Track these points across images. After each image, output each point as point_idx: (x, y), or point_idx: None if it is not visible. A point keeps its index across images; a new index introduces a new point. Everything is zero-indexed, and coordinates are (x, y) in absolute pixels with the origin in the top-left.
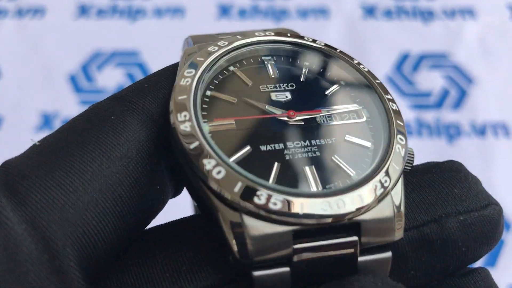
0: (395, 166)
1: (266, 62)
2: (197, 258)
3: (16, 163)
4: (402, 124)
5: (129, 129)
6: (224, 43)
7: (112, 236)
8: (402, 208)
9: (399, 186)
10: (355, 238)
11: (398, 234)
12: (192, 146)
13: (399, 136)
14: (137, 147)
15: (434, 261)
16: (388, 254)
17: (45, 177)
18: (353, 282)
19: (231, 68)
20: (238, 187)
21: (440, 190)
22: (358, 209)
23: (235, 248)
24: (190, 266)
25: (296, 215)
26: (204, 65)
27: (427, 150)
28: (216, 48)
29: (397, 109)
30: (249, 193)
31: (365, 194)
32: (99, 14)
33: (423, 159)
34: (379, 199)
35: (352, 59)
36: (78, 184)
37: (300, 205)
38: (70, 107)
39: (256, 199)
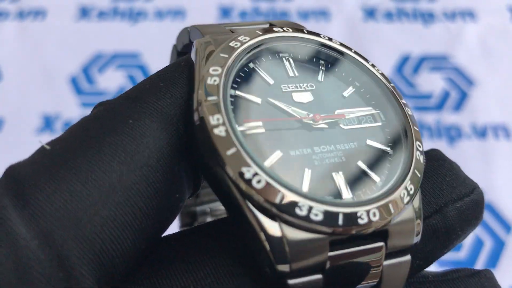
0: (417, 173)
1: (284, 59)
2: (221, 269)
3: (25, 170)
4: (417, 129)
5: (149, 134)
6: (245, 39)
7: (130, 251)
8: (421, 211)
9: (419, 192)
10: (382, 243)
11: (417, 238)
12: (229, 152)
13: (417, 142)
14: (158, 154)
15: (437, 249)
16: (408, 257)
17: (60, 188)
18: None
19: (251, 65)
20: (279, 198)
21: (434, 180)
22: (388, 217)
23: (273, 256)
24: (215, 277)
25: (337, 226)
26: (230, 62)
27: None
28: (239, 43)
29: (412, 114)
30: (291, 204)
31: (395, 203)
32: (100, 16)
33: None
34: (406, 207)
35: (366, 60)
36: (96, 197)
37: (341, 216)
38: (71, 109)
39: (298, 210)
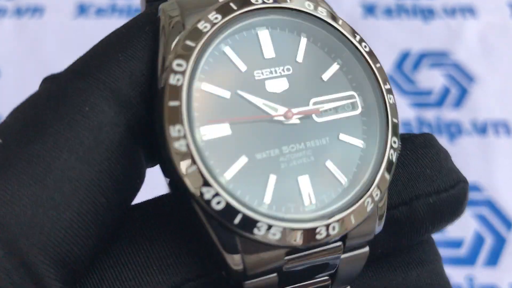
0: (386, 176)
1: (261, 37)
2: (181, 251)
3: None
4: (396, 121)
5: (107, 123)
6: (217, 18)
7: (94, 246)
8: (385, 208)
9: (386, 193)
10: (339, 244)
11: (378, 230)
12: (190, 170)
13: (393, 138)
14: (117, 146)
15: (402, 240)
16: (366, 249)
17: (19, 194)
18: None
19: (222, 46)
20: (238, 219)
21: (412, 170)
22: (349, 229)
23: (231, 267)
24: (175, 258)
25: (293, 243)
26: (196, 53)
27: None
28: (209, 26)
29: (394, 102)
30: (249, 224)
31: (358, 213)
32: (98, 13)
33: None
34: (370, 213)
35: (354, 35)
36: (57, 199)
37: (299, 234)
38: None
39: (256, 231)
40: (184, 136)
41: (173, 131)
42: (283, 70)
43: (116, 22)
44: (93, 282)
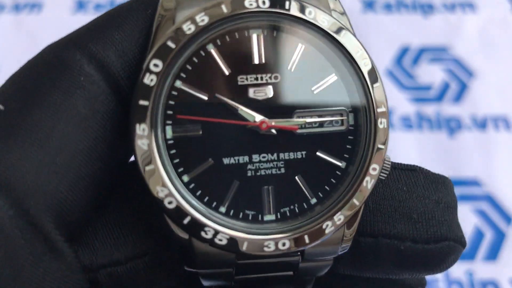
0: (355, 201)
1: (253, 39)
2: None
3: None
4: (383, 147)
5: (100, 91)
6: (203, 20)
7: (85, 197)
8: (353, 234)
9: (358, 216)
10: (297, 256)
11: (343, 247)
12: (147, 168)
13: (373, 166)
14: (109, 116)
15: (365, 269)
16: (330, 261)
17: (17, 154)
18: None
19: (209, 47)
20: (187, 220)
21: (400, 208)
22: (302, 247)
23: (183, 259)
24: (153, 220)
25: (240, 252)
26: (173, 53)
27: (428, 144)
28: (193, 27)
29: (384, 128)
30: (196, 227)
31: (313, 234)
32: (96, 8)
33: (424, 152)
34: (328, 236)
35: (357, 48)
36: (48, 156)
37: (245, 244)
38: None
39: (203, 234)
40: (147, 136)
41: (139, 129)
42: (270, 77)
43: None
44: (86, 239)
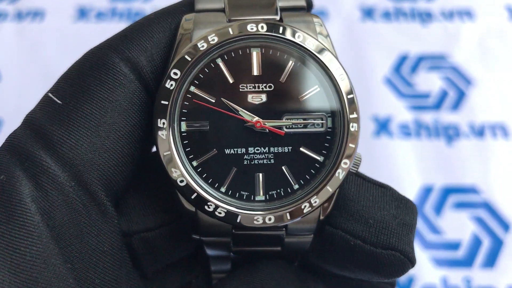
0: (328, 188)
1: (253, 55)
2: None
3: (43, 123)
4: (353, 146)
5: (135, 88)
6: (213, 39)
7: (124, 170)
8: (326, 215)
9: (332, 200)
10: (282, 231)
11: (321, 219)
12: (165, 153)
13: (344, 160)
14: (137, 100)
15: (325, 257)
16: (310, 237)
17: (73, 135)
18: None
19: (218, 60)
20: (194, 196)
21: (361, 210)
22: (284, 222)
23: (190, 227)
24: (169, 200)
25: (236, 223)
26: (189, 65)
27: (426, 151)
28: (205, 45)
29: (355, 130)
30: (201, 202)
31: (293, 213)
32: (98, 17)
33: (422, 160)
34: (305, 215)
35: (338, 67)
36: (98, 136)
37: (239, 217)
38: None
39: (206, 207)
40: (166, 128)
41: (160, 123)
42: (265, 86)
43: (116, 26)
44: (123, 209)
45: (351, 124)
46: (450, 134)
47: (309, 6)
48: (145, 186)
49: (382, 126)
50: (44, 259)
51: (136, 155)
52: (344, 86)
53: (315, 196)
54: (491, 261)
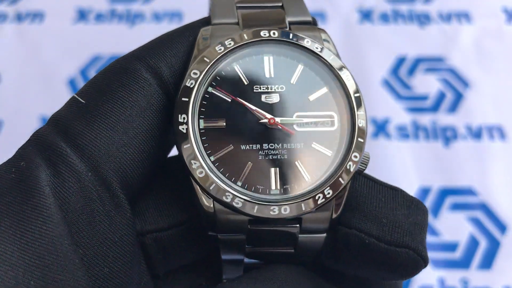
0: (341, 180)
1: (265, 60)
2: (179, 202)
3: (67, 120)
4: (362, 141)
5: (150, 88)
6: (230, 44)
7: (143, 170)
8: (340, 210)
9: (345, 193)
10: (296, 225)
11: (334, 217)
12: (185, 146)
13: (354, 154)
14: (157, 103)
15: (339, 258)
16: (323, 235)
17: (94, 132)
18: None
19: (234, 64)
20: (212, 187)
21: (374, 211)
22: (299, 213)
23: (206, 222)
24: (189, 198)
25: (251, 214)
26: (208, 67)
27: (424, 153)
28: (222, 48)
29: (363, 126)
30: (219, 192)
31: (308, 204)
32: (98, 18)
33: (420, 161)
34: (319, 206)
35: (342, 68)
36: (119, 134)
37: (256, 207)
38: None
39: (224, 198)
40: (186, 122)
41: (180, 118)
42: (277, 87)
43: (115, 27)
44: (138, 209)
45: (359, 121)
46: (448, 136)
47: (314, 22)
48: (160, 189)
49: (380, 128)
50: (52, 238)
51: (152, 154)
52: (350, 86)
53: (328, 188)
54: (488, 262)
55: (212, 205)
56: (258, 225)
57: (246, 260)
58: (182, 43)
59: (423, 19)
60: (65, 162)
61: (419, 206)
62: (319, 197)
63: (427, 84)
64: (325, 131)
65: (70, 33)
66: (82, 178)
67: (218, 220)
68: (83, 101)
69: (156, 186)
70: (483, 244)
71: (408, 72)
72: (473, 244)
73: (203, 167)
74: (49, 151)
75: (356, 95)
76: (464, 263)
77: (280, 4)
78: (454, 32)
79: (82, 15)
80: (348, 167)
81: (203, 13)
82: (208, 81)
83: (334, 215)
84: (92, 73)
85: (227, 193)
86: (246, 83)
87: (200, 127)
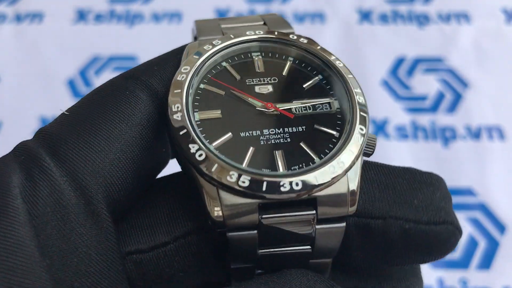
0: (352, 151)
1: (254, 58)
2: (185, 208)
3: (52, 130)
4: (365, 115)
5: (141, 102)
6: (218, 42)
7: (130, 186)
8: (356, 188)
9: (357, 169)
10: (312, 211)
11: (352, 209)
12: (181, 132)
13: (360, 126)
14: (148, 117)
15: (376, 251)
16: (342, 224)
17: (78, 140)
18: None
19: (223, 63)
20: (214, 168)
21: (400, 196)
22: (312, 188)
23: (213, 214)
24: (183, 212)
25: (261, 191)
26: (198, 63)
27: (423, 153)
28: (211, 47)
29: (363, 102)
30: (223, 172)
31: (321, 176)
32: (97, 19)
33: (419, 162)
34: (334, 179)
35: (330, 55)
36: (104, 145)
37: (264, 184)
38: None
39: (228, 178)
40: (180, 111)
41: (174, 107)
42: (270, 79)
43: (115, 28)
44: (124, 224)
45: (357, 97)
46: (447, 136)
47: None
48: (147, 208)
49: (379, 128)
50: (18, 239)
51: (141, 169)
52: (342, 68)
53: (341, 160)
54: (487, 262)
55: (216, 192)
56: (269, 212)
57: (258, 272)
58: (171, 60)
59: (422, 20)
60: (38, 166)
61: (437, 178)
62: (331, 169)
63: (426, 84)
64: (326, 113)
65: (70, 33)
66: (54, 182)
67: (224, 206)
68: (67, 112)
69: (143, 206)
70: (482, 244)
71: (407, 72)
72: (472, 244)
73: (202, 150)
74: (24, 155)
75: (350, 76)
76: (463, 263)
77: (262, 23)
78: (453, 32)
79: (81, 15)
80: (356, 139)
81: (203, 13)
82: (199, 78)
83: (350, 208)
84: (91, 74)
85: (231, 172)
86: (238, 78)
87: (196, 119)
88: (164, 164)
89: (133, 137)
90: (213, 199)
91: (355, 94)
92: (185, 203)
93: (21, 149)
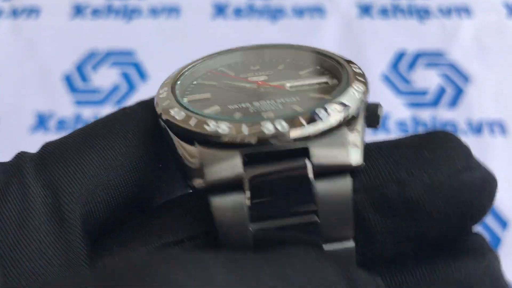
0: (346, 102)
1: (249, 61)
2: (177, 221)
3: (52, 144)
4: (363, 80)
5: (134, 136)
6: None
7: (113, 210)
8: (359, 140)
9: (359, 127)
10: (303, 161)
11: (356, 160)
12: (164, 103)
13: (356, 85)
14: (147, 142)
15: (402, 225)
16: (347, 178)
17: (70, 159)
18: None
19: (220, 68)
20: (193, 121)
21: (408, 152)
22: (301, 129)
23: (192, 172)
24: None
25: (241, 142)
26: (174, 76)
27: None
28: (177, 70)
29: (360, 72)
30: (201, 123)
31: (305, 118)
32: (94, 14)
33: None
34: (327, 129)
35: (322, 51)
36: (95, 169)
37: (243, 127)
38: (65, 107)
39: (206, 126)
40: (167, 90)
41: (161, 90)
42: (265, 72)
43: (112, 23)
44: (113, 237)
45: (353, 66)
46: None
47: None
48: (128, 227)
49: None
50: None
51: (125, 186)
52: (335, 53)
53: (334, 105)
54: None
55: (195, 149)
56: (256, 165)
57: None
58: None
59: (423, 14)
60: (14, 166)
61: (446, 135)
62: (319, 111)
63: (427, 79)
64: (322, 86)
65: (66, 28)
66: (25, 182)
67: (203, 161)
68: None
69: (126, 223)
70: None
71: (408, 67)
72: None
73: (182, 110)
74: (11, 165)
75: (345, 58)
76: None
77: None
78: (454, 26)
79: (78, 10)
80: (352, 94)
81: (201, 8)
82: (179, 92)
83: (351, 134)
84: (88, 69)
85: (208, 121)
86: (232, 75)
87: (184, 102)
88: (162, 194)
89: (123, 166)
90: (192, 156)
91: (351, 67)
92: (175, 213)
93: (15, 157)
